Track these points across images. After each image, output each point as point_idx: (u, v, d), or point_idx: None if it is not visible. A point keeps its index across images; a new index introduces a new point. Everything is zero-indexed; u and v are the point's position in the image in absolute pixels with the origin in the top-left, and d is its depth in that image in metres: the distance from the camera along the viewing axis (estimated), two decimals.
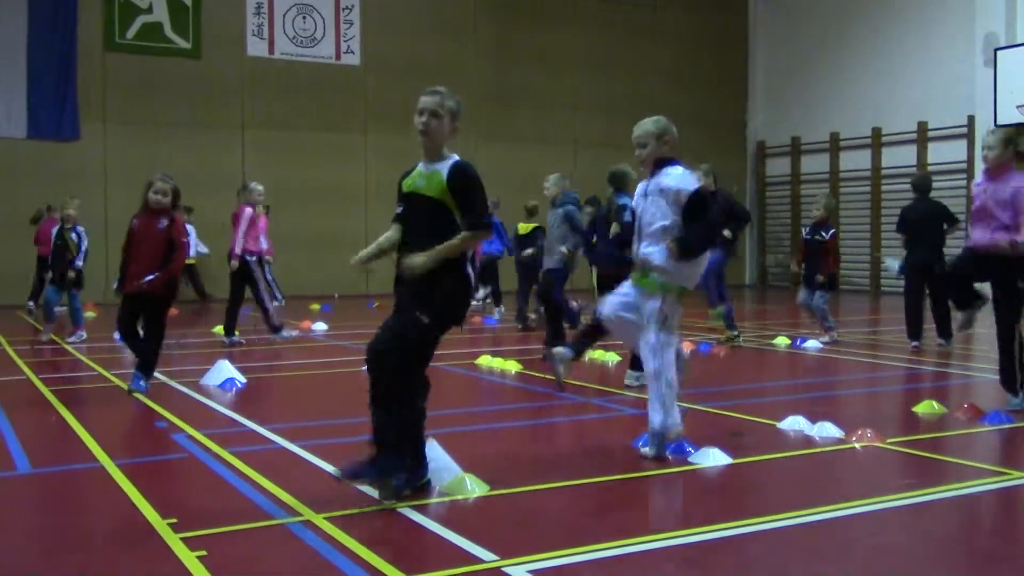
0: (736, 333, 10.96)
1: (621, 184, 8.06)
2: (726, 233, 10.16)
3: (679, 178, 5.30)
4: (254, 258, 11.23)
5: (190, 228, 17.73)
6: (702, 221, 5.22)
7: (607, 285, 7.98)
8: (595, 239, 8.33)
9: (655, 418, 5.28)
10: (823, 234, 10.97)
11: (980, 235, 6.72)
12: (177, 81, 18.76)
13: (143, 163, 18.19)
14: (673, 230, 5.25)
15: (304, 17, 19.91)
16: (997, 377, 7.05)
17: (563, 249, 9.86)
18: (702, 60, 23.81)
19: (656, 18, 23.32)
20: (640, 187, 5.57)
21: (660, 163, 5.40)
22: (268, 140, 19.32)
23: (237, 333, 11.21)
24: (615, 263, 7.68)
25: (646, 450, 5.36)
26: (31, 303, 15.24)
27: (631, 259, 5.58)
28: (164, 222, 7.73)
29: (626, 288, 5.53)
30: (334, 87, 20.07)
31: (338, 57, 20.18)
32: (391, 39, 20.44)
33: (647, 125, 5.46)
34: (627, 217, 7.35)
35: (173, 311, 15.32)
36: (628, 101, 22.77)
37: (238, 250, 11.06)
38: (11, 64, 17.50)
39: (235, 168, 19.17)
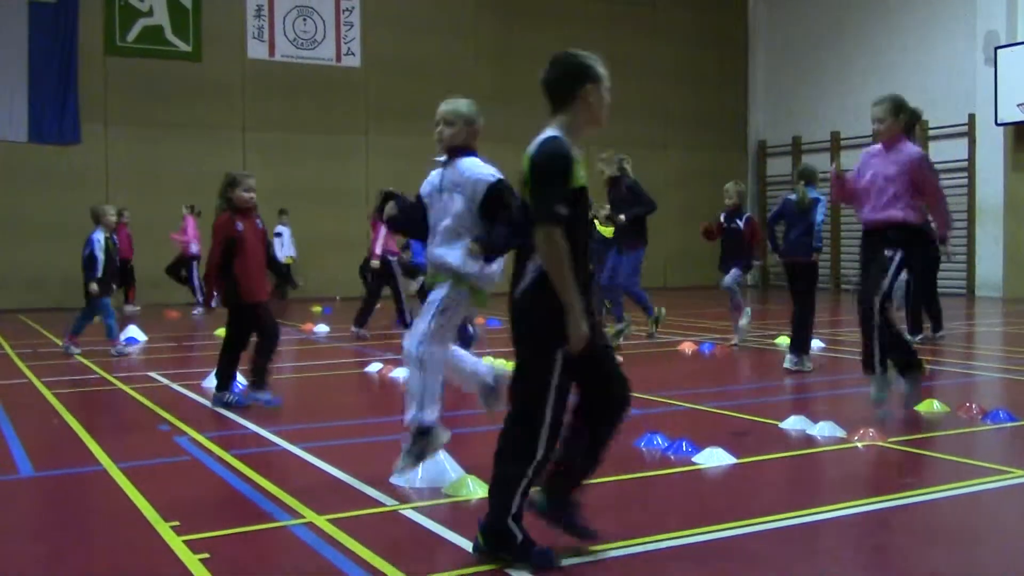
0: (627, 326, 10.49)
1: (812, 178, 9.03)
2: (621, 217, 10.32)
3: (475, 168, 4.79)
4: (396, 258, 11.93)
5: (286, 229, 17.94)
6: (503, 216, 4.57)
7: (798, 275, 8.91)
8: (786, 230, 9.08)
9: (407, 414, 4.71)
10: (738, 222, 10.85)
11: (871, 211, 6.43)
12: (178, 84, 18.77)
13: (144, 166, 18.25)
14: (469, 227, 4.70)
15: (304, 19, 19.92)
16: (998, 376, 7.05)
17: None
18: (703, 59, 23.81)
19: (657, 17, 23.32)
20: (432, 178, 4.96)
21: (456, 151, 4.88)
22: (269, 142, 19.33)
23: (364, 329, 11.81)
24: (809, 252, 8.78)
25: (397, 463, 4.76)
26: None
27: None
28: (260, 222, 7.30)
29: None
30: (335, 89, 20.07)
31: (339, 59, 20.19)
32: (392, 40, 20.45)
33: (460, 105, 4.95)
34: (820, 214, 8.95)
35: (174, 313, 15.46)
36: (629, 101, 22.73)
37: (378, 250, 11.85)
38: (12, 67, 17.52)
39: (236, 170, 19.15)
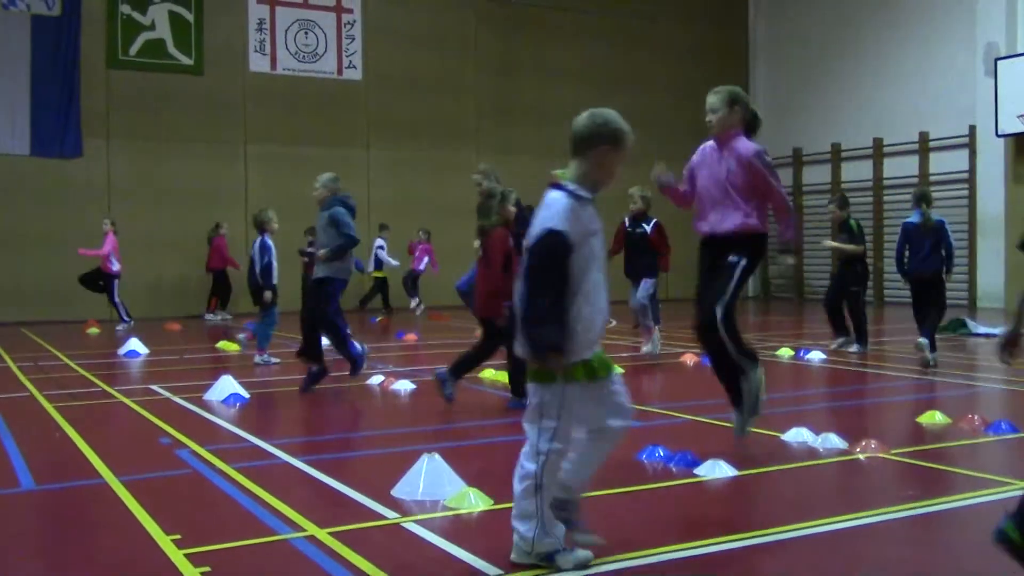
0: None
1: (929, 201, 9.75)
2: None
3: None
4: None
5: (383, 242, 18.21)
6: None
7: (929, 287, 9.57)
8: (906, 251, 9.77)
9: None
10: (644, 227, 10.52)
11: (706, 218, 5.74)
12: (180, 97, 18.81)
13: (146, 180, 18.29)
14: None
15: (306, 32, 19.98)
16: (1000, 387, 7.03)
17: (319, 253, 8.68)
18: (702, 72, 23.79)
19: (656, 31, 23.38)
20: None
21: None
22: (270, 155, 19.37)
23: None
24: (939, 267, 9.55)
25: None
26: (208, 316, 16.30)
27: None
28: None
29: None
30: (336, 102, 20.12)
31: (340, 72, 20.24)
32: (393, 54, 20.51)
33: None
34: (950, 234, 9.71)
35: (176, 326, 15.47)
36: (629, 115, 22.54)
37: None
38: (14, 81, 17.57)
39: (238, 184, 19.21)
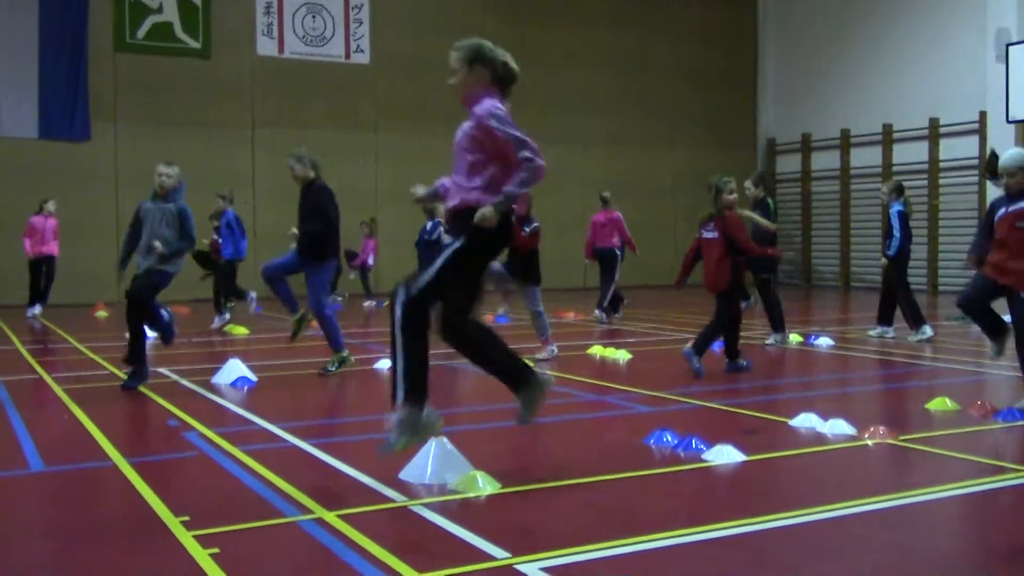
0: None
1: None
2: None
3: None
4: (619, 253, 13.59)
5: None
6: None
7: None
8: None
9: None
10: (525, 229, 9.64)
11: (449, 190, 4.98)
12: (187, 81, 18.81)
13: (153, 163, 18.15)
14: None
15: (314, 16, 19.94)
16: (1010, 374, 6.97)
17: (156, 244, 7.91)
18: (711, 57, 23.76)
19: (664, 15, 23.27)
20: None
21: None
22: (278, 139, 19.33)
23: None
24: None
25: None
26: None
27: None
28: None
29: None
30: (344, 86, 20.09)
31: (348, 56, 20.20)
32: (401, 38, 20.46)
33: None
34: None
35: (184, 309, 15.47)
36: (637, 99, 22.75)
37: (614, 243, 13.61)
38: (22, 65, 17.57)
39: (245, 167, 19.22)
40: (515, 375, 4.91)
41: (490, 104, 4.77)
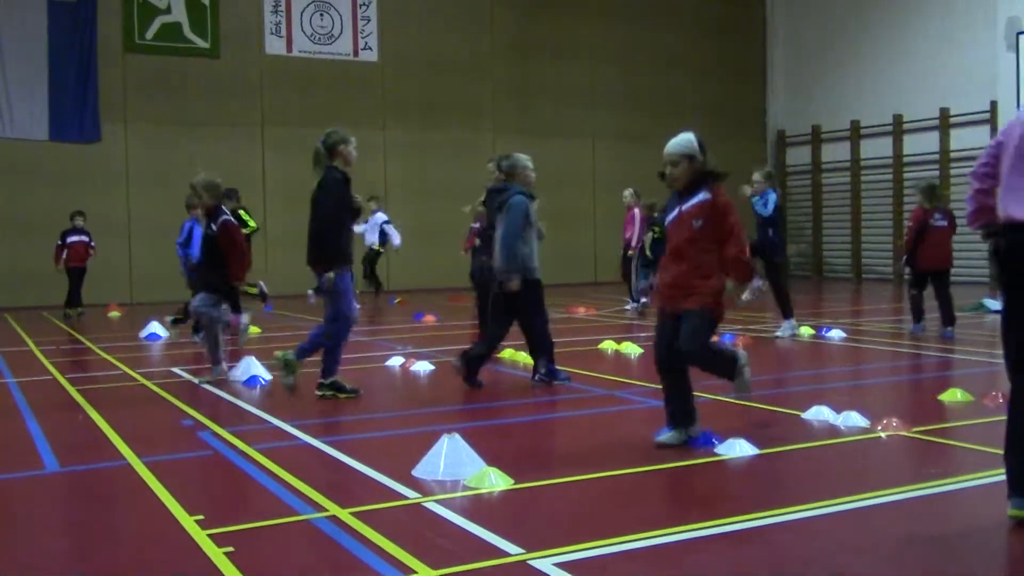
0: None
1: None
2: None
3: None
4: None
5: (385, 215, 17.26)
6: None
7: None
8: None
9: None
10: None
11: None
12: (196, 80, 18.84)
13: (164, 163, 18.33)
14: None
15: (322, 14, 19.95)
16: None
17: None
18: (721, 49, 23.68)
19: (674, 7, 23.19)
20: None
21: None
22: (287, 137, 19.37)
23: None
24: None
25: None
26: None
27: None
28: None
29: None
30: (352, 84, 20.09)
31: (356, 54, 20.21)
32: (409, 35, 20.45)
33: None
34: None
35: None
36: (647, 92, 22.69)
37: (635, 243, 13.99)
38: (32, 66, 17.62)
39: (255, 166, 19.25)
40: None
41: None
